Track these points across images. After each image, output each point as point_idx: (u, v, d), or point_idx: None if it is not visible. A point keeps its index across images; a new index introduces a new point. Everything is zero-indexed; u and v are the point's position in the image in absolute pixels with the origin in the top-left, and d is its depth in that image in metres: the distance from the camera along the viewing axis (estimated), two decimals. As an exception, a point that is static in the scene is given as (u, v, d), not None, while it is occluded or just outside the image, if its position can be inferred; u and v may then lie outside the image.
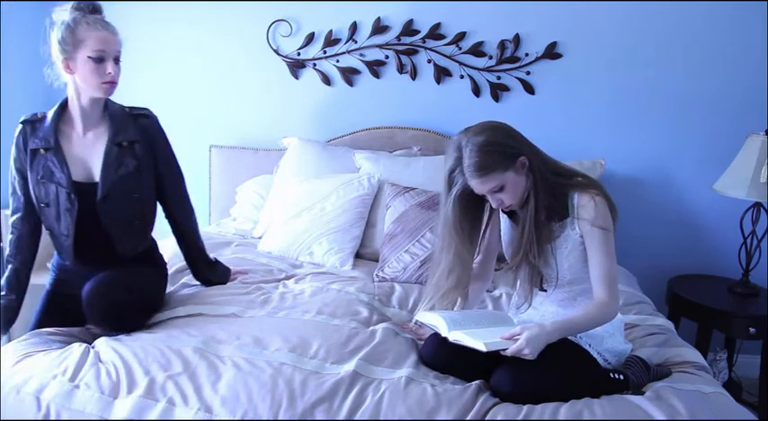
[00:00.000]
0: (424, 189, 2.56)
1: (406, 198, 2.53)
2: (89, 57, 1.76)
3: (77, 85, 1.84)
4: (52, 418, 1.54)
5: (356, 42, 2.96)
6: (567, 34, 2.85)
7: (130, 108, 1.96)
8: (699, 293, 2.63)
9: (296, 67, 3.02)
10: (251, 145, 3.04)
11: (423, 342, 1.79)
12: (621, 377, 1.67)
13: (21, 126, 1.88)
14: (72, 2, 1.80)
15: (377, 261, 2.49)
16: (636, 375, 1.70)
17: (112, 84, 1.82)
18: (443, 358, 1.70)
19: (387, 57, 2.97)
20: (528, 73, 2.90)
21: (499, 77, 2.92)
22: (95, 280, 1.81)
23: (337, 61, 3.00)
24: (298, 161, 2.81)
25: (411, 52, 2.94)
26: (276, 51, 3.02)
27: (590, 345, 1.73)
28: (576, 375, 1.64)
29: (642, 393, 1.62)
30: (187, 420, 1.50)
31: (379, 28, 2.93)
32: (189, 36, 3.03)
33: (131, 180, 1.89)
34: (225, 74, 3.07)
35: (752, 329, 2.45)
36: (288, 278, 2.32)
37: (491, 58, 2.90)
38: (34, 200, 1.87)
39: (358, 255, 2.57)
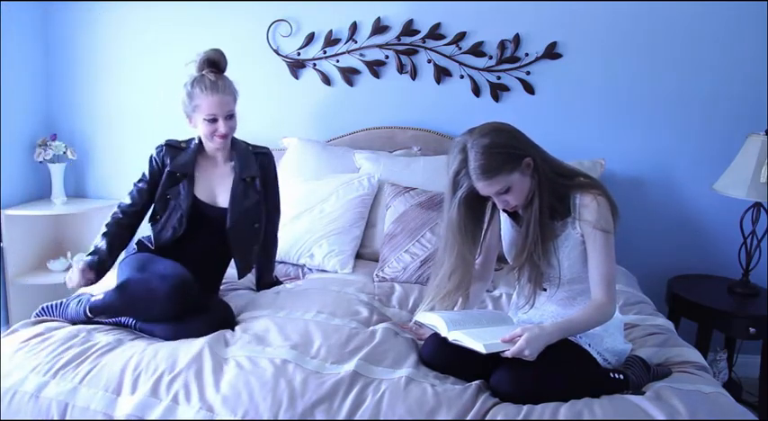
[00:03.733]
0: (424, 189, 2.56)
1: (406, 198, 2.53)
2: (204, 119, 2.03)
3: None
4: (55, 417, 1.55)
5: (356, 42, 2.96)
6: (567, 34, 2.85)
7: (253, 146, 2.23)
8: (699, 293, 2.63)
9: (296, 67, 3.02)
10: (251, 145, 3.03)
11: (423, 342, 1.80)
12: (621, 377, 1.68)
13: (164, 147, 2.13)
14: (199, 57, 2.07)
15: (377, 261, 2.50)
16: (636, 375, 1.70)
17: (222, 137, 2.07)
18: (443, 358, 1.70)
19: (387, 57, 2.97)
20: (528, 73, 2.90)
21: (499, 77, 2.92)
22: (184, 275, 1.89)
23: (337, 61, 3.00)
24: (298, 161, 2.81)
25: (411, 52, 2.94)
26: (276, 51, 3.01)
27: (590, 345, 1.73)
28: (576, 375, 1.64)
29: (642, 393, 1.62)
30: (188, 420, 1.50)
31: (379, 28, 2.93)
32: (189, 36, 3.02)
33: (254, 211, 2.14)
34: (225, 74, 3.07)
35: (752, 329, 2.45)
36: (288, 278, 2.34)
37: (491, 58, 2.90)
38: (155, 207, 2.12)
39: (358, 256, 2.57)
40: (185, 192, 2.08)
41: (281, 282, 2.32)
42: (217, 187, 2.13)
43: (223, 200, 2.12)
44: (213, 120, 2.03)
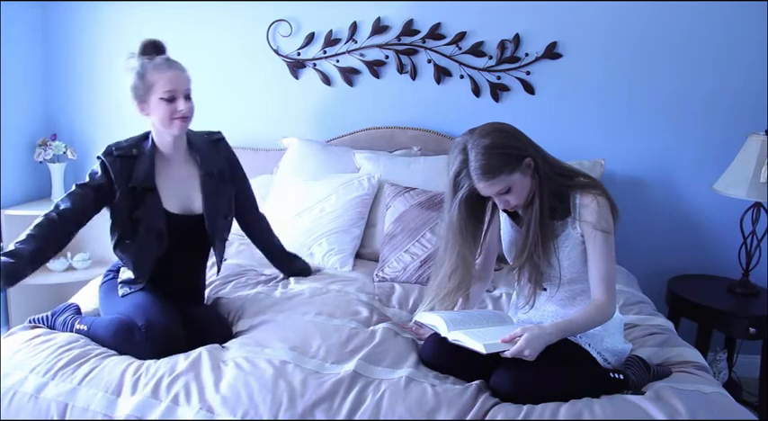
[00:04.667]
0: (424, 189, 2.56)
1: (406, 198, 2.53)
2: (161, 98, 1.82)
3: (157, 129, 1.90)
4: (54, 417, 1.54)
5: (356, 42, 2.96)
6: (567, 34, 2.85)
7: (208, 134, 2.05)
8: (699, 293, 2.63)
9: (296, 67, 3.02)
10: (251, 145, 3.04)
11: (423, 342, 1.80)
12: (621, 377, 1.67)
13: (117, 159, 1.85)
14: (138, 47, 1.87)
15: (377, 261, 2.50)
16: (636, 375, 1.70)
17: (184, 119, 1.86)
18: (443, 358, 1.70)
19: (387, 57, 2.97)
20: (528, 73, 2.90)
21: (499, 77, 2.92)
22: (166, 324, 1.76)
23: (337, 61, 3.00)
24: (298, 161, 2.81)
25: (411, 52, 2.94)
26: (276, 51, 3.01)
27: (589, 345, 1.73)
28: (575, 375, 1.64)
29: (642, 393, 1.62)
30: (188, 420, 1.50)
31: (379, 28, 2.93)
32: (189, 36, 3.02)
33: (225, 204, 2.01)
34: (225, 74, 3.07)
35: (752, 329, 2.45)
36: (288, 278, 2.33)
37: (491, 58, 2.90)
38: (118, 232, 1.88)
39: (358, 255, 2.56)
40: (155, 208, 1.87)
41: (309, 267, 2.36)
42: (187, 194, 1.95)
43: (197, 205, 1.95)
44: (172, 100, 1.82)
